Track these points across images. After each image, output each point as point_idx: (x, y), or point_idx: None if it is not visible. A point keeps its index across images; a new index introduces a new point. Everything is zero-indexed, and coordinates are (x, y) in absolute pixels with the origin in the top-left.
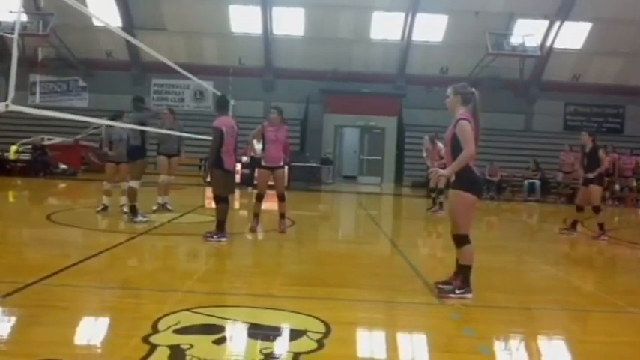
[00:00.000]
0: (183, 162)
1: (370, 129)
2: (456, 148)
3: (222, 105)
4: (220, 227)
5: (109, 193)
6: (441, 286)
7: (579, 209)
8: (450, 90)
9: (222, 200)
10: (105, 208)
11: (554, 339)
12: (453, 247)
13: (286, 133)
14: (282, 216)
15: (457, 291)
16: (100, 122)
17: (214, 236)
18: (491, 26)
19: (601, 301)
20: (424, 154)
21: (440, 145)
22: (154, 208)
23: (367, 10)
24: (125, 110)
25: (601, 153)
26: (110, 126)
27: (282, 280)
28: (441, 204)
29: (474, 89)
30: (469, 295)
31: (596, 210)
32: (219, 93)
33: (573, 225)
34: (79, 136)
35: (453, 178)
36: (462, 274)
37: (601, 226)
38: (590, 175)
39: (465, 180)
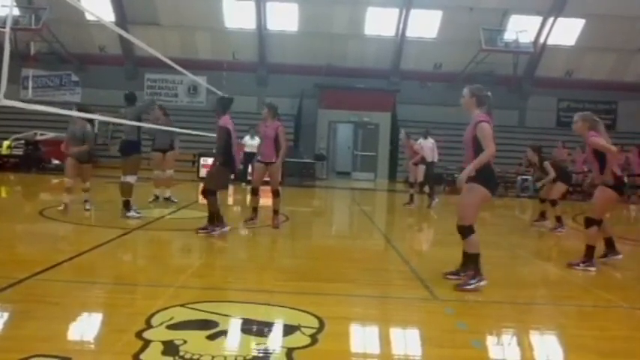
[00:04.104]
0: (177, 157)
1: (364, 124)
2: (477, 148)
3: (226, 105)
4: (213, 220)
5: (70, 190)
6: (449, 276)
7: (553, 203)
8: (466, 90)
9: (211, 193)
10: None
11: (547, 334)
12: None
13: (276, 130)
14: (275, 212)
15: (472, 281)
16: (92, 117)
17: (210, 228)
18: (485, 22)
19: (594, 296)
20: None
21: (412, 141)
22: (150, 199)
23: (361, 5)
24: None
25: (546, 165)
26: (72, 122)
27: (276, 275)
28: (429, 195)
29: (489, 92)
30: (483, 283)
31: (553, 203)
32: (212, 88)
33: (559, 220)
34: None
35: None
36: (473, 263)
37: (542, 213)
38: (539, 184)
39: (482, 175)
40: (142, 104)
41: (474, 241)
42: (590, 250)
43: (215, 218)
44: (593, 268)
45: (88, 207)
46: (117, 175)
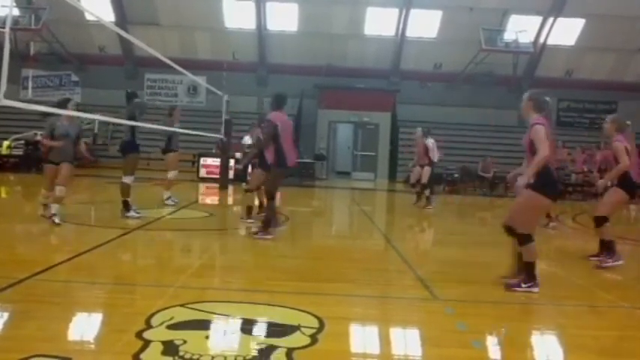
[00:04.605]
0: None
1: (364, 125)
2: (535, 151)
3: (279, 101)
4: (268, 225)
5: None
6: (507, 280)
7: None
8: (525, 95)
9: (273, 198)
10: (53, 216)
11: (547, 333)
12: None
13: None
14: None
15: (523, 285)
16: (92, 117)
17: (259, 233)
18: (484, 22)
19: (592, 296)
20: (416, 149)
21: (427, 141)
22: (170, 202)
23: (361, 5)
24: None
25: None
26: (55, 116)
27: (276, 275)
28: (427, 198)
29: (548, 98)
30: (536, 290)
31: None
32: (212, 88)
33: (547, 216)
34: None
35: (531, 180)
36: (527, 270)
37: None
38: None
39: (539, 180)
40: (132, 106)
41: (530, 249)
42: (608, 245)
43: (270, 223)
44: (618, 262)
45: (57, 220)
46: (117, 175)
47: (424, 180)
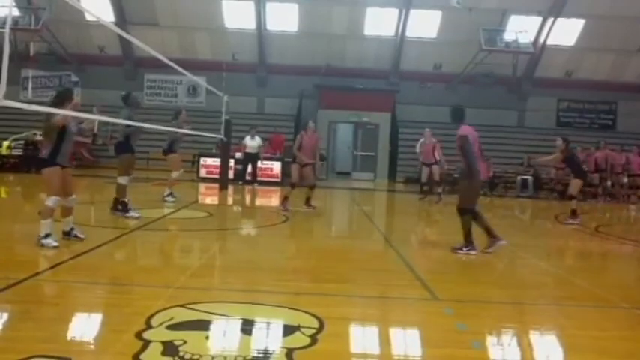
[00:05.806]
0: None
1: (364, 125)
2: None
3: (461, 114)
4: (468, 239)
5: (50, 212)
6: None
7: (570, 198)
8: None
9: (468, 212)
10: (47, 235)
11: (547, 334)
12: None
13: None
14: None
15: None
16: (92, 117)
17: (464, 249)
18: (484, 22)
19: (593, 296)
20: (417, 150)
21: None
22: (169, 199)
23: (361, 5)
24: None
25: (559, 157)
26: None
27: (276, 275)
28: (439, 194)
29: None
30: None
31: (570, 197)
32: (212, 88)
33: (574, 213)
34: None
35: None
36: None
37: (573, 212)
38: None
39: None
40: (127, 110)
41: None
42: None
43: (470, 236)
44: None
45: (80, 235)
46: (116, 175)
47: (437, 178)
